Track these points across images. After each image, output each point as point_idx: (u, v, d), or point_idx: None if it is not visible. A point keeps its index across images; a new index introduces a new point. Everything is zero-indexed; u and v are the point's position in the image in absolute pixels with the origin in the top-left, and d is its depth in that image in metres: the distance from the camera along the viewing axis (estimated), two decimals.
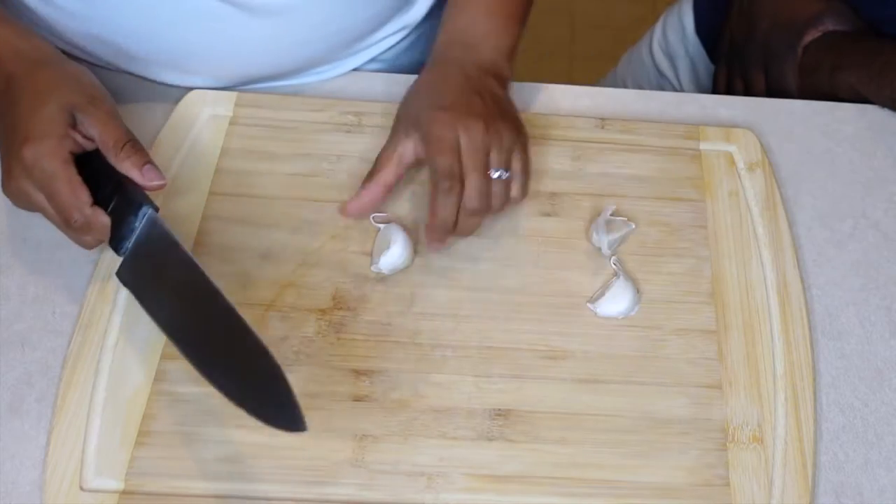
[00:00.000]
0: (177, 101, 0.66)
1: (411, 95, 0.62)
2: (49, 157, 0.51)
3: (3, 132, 0.54)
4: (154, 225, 0.53)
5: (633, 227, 0.61)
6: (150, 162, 0.53)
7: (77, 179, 0.52)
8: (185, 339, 0.50)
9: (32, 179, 0.52)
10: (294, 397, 0.46)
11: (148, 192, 0.54)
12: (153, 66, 0.66)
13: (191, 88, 0.67)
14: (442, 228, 0.57)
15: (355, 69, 0.72)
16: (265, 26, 0.63)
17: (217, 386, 0.48)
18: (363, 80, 0.71)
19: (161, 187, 0.54)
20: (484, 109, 0.58)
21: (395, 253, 0.58)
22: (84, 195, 0.52)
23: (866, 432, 0.56)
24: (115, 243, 0.53)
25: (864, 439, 0.55)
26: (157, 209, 0.53)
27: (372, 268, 0.59)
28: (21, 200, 0.54)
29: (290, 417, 0.46)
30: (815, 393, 0.56)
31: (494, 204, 0.58)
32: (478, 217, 0.58)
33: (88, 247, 0.55)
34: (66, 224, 0.52)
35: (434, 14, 0.74)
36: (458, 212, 0.57)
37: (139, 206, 0.52)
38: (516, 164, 0.58)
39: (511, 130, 0.59)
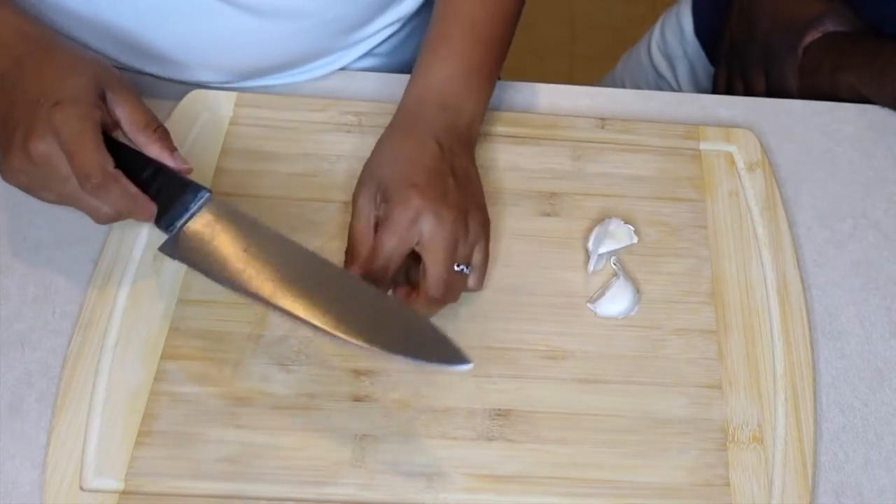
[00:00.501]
0: (177, 100, 0.66)
1: (381, 155, 0.58)
2: (81, 119, 0.51)
3: (19, 105, 0.52)
4: (221, 205, 0.54)
5: (636, 241, 0.60)
6: (175, 149, 0.54)
7: (102, 144, 0.52)
8: (297, 290, 0.50)
9: (59, 140, 0.50)
10: (446, 336, 0.47)
11: None
12: (151, 60, 0.66)
13: (188, 83, 0.67)
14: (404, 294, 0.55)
15: (352, 64, 0.72)
16: (262, 19, 0.63)
17: (352, 336, 0.48)
18: (363, 80, 0.71)
19: (189, 173, 0.54)
20: (457, 197, 0.55)
21: None
22: (108, 159, 0.51)
23: (866, 432, 0.56)
24: (167, 221, 0.53)
25: (864, 439, 0.55)
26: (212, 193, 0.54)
27: None
28: (37, 165, 0.51)
29: (451, 352, 0.47)
30: (815, 393, 0.56)
31: (452, 297, 0.55)
32: (436, 307, 0.55)
33: (103, 219, 0.53)
34: (86, 181, 0.51)
35: (427, 7, 0.74)
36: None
37: (197, 188, 0.53)
38: (477, 257, 0.56)
39: (479, 222, 0.56)
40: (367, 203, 0.56)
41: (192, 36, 0.63)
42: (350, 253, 0.56)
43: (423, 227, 0.54)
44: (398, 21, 0.72)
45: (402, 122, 0.60)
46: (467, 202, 0.56)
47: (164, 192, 0.53)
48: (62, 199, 0.53)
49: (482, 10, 0.62)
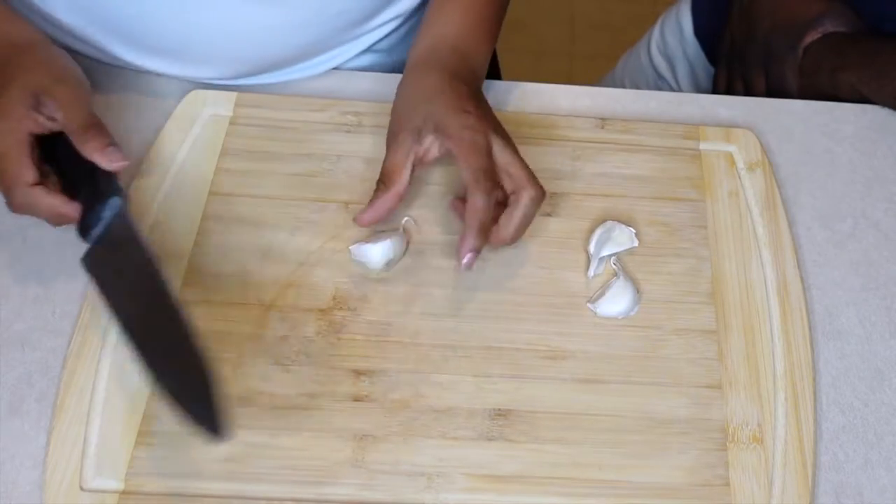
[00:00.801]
0: (177, 100, 0.66)
1: (409, 97, 0.60)
2: (3, 136, 0.52)
3: None
4: (121, 216, 0.53)
5: (637, 244, 0.60)
6: (112, 144, 0.54)
7: (26, 160, 0.52)
8: (135, 336, 0.49)
9: None
10: (222, 405, 0.46)
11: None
12: (151, 53, 0.66)
13: (189, 80, 0.67)
14: (483, 231, 0.55)
15: (352, 61, 0.72)
16: (265, 6, 0.63)
17: (156, 387, 0.48)
18: (363, 80, 0.71)
19: (123, 168, 0.54)
20: (500, 127, 0.59)
21: (385, 246, 0.58)
22: (29, 175, 0.52)
23: (866, 432, 0.56)
24: (83, 231, 0.53)
25: (865, 439, 0.55)
26: (126, 199, 0.54)
27: (353, 257, 0.59)
28: None
29: (215, 424, 0.46)
30: (815, 393, 0.56)
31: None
32: (528, 219, 0.57)
33: (54, 224, 0.55)
34: (9, 203, 0.53)
35: (424, 5, 0.74)
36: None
37: (108, 196, 0.53)
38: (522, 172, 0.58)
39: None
40: (409, 136, 0.58)
41: (196, 26, 0.63)
42: (385, 181, 0.58)
43: (494, 144, 0.56)
44: (399, 17, 0.72)
45: (419, 66, 0.62)
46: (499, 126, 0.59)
47: (86, 198, 0.53)
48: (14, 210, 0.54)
49: None
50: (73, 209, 0.54)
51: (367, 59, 0.74)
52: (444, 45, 0.63)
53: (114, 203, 0.53)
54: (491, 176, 0.56)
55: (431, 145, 0.58)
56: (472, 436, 0.54)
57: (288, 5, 0.63)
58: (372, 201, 0.58)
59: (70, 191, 0.54)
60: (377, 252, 0.58)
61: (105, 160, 0.54)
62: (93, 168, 0.54)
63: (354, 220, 0.59)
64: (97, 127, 0.54)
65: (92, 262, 0.53)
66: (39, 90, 0.54)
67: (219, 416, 0.46)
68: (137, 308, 0.51)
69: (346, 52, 0.71)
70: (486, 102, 0.61)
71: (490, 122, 0.58)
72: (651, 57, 0.98)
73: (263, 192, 0.63)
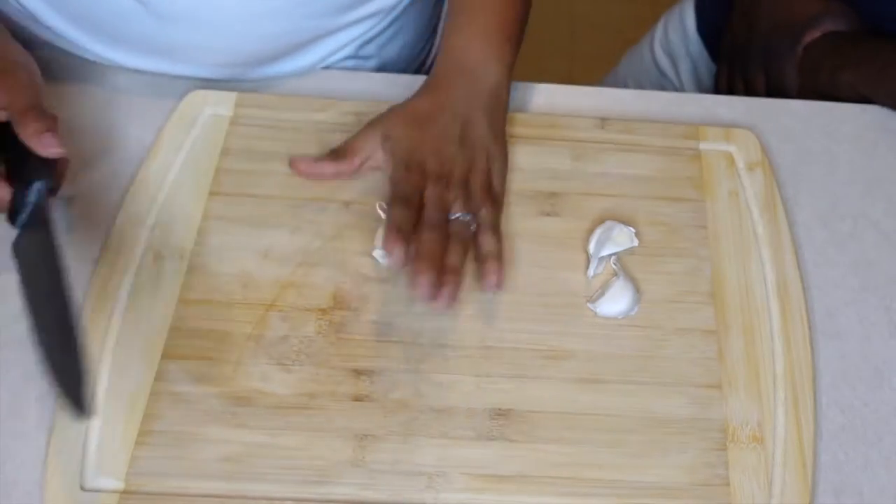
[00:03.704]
0: (177, 100, 0.66)
1: (409, 113, 0.62)
2: None
3: None
4: (40, 202, 0.53)
5: (637, 244, 0.60)
6: (51, 130, 0.54)
7: None
8: (35, 319, 0.50)
9: None
10: (90, 391, 0.48)
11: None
12: (135, 53, 0.66)
13: (180, 78, 0.68)
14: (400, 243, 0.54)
15: (339, 63, 0.72)
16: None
17: (44, 365, 0.49)
18: (363, 80, 0.71)
19: (56, 155, 0.54)
20: (460, 157, 0.60)
21: None
22: None
23: (866, 432, 0.56)
24: (11, 216, 0.53)
25: (864, 439, 0.55)
26: (51, 186, 0.54)
27: (375, 255, 0.59)
28: None
29: (81, 404, 0.47)
30: (814, 393, 0.56)
31: (435, 243, 0.56)
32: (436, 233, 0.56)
33: None
34: None
35: (412, 6, 0.73)
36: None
37: (32, 181, 0.53)
38: (490, 241, 0.58)
39: (481, 187, 0.60)
40: (376, 138, 0.62)
41: (166, 18, 0.63)
42: (339, 154, 0.62)
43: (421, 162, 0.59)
44: (377, 14, 0.72)
45: (423, 89, 0.64)
46: (470, 166, 0.60)
47: (17, 182, 0.53)
48: None
49: None
50: (4, 193, 0.53)
51: (354, 64, 0.74)
52: (449, 67, 0.64)
53: (37, 187, 0.53)
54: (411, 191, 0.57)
55: (382, 160, 0.61)
56: (473, 435, 0.54)
57: None
58: (319, 159, 0.62)
59: (13, 178, 0.54)
60: None
61: (40, 146, 0.53)
62: (26, 153, 0.53)
63: (290, 162, 0.62)
64: (36, 112, 0.54)
65: (18, 249, 0.52)
66: None
67: (86, 398, 0.48)
68: (39, 296, 0.51)
69: (325, 48, 0.71)
70: (480, 135, 0.61)
71: (436, 139, 0.60)
72: (654, 54, 0.98)
73: (263, 192, 0.63)
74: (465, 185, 0.59)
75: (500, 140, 0.63)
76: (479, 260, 0.57)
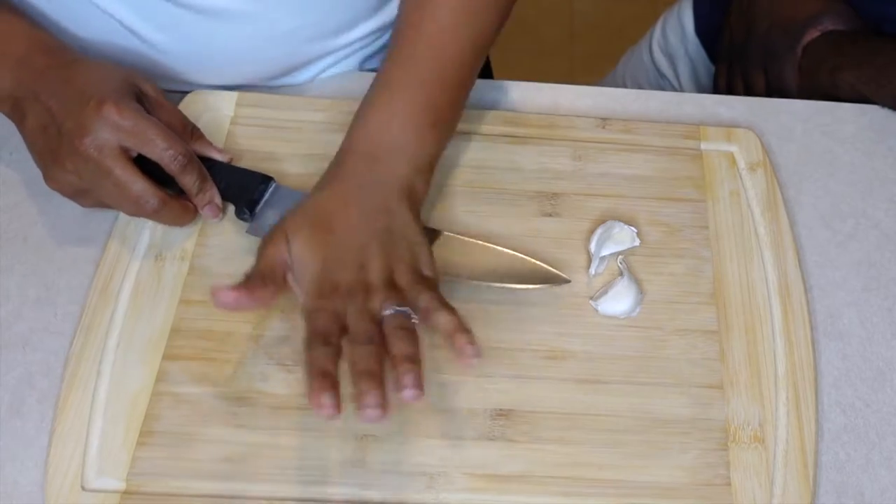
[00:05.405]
0: (177, 100, 0.66)
1: (298, 207, 0.55)
2: (135, 112, 0.54)
3: (57, 113, 0.54)
4: (282, 190, 0.60)
5: (638, 243, 0.60)
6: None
7: (167, 131, 0.56)
8: None
9: (121, 133, 0.54)
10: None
11: None
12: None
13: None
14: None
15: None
16: (212, 20, 0.63)
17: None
18: (363, 81, 0.70)
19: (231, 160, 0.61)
20: (379, 252, 0.52)
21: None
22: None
23: (868, 432, 0.56)
24: (248, 209, 0.59)
25: (866, 439, 0.55)
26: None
27: None
28: (90, 161, 0.53)
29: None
30: (816, 393, 0.56)
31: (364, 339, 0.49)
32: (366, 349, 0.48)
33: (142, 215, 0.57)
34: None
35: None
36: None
37: (263, 178, 0.60)
38: (403, 347, 0.49)
39: (407, 281, 0.52)
40: (281, 242, 0.53)
41: (161, 44, 0.64)
42: (254, 276, 0.51)
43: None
44: (380, 30, 0.72)
45: (328, 176, 0.56)
46: (391, 262, 0.52)
47: (233, 184, 0.60)
48: (104, 197, 0.56)
49: (439, 37, 0.57)
50: (214, 207, 0.59)
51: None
52: (358, 149, 0.56)
53: (272, 183, 0.61)
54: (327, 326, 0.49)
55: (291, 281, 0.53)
56: (473, 435, 0.54)
57: (229, 17, 0.62)
58: (235, 288, 0.49)
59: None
60: None
61: (221, 154, 0.61)
62: (211, 163, 0.61)
63: (212, 292, 0.49)
64: (195, 126, 0.61)
65: (259, 230, 0.58)
66: (139, 87, 0.57)
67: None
68: None
69: (326, 64, 0.71)
70: (399, 226, 0.53)
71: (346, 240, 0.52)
72: (652, 55, 0.98)
73: None
74: (391, 285, 0.51)
75: (420, 227, 0.55)
76: (445, 339, 0.50)
